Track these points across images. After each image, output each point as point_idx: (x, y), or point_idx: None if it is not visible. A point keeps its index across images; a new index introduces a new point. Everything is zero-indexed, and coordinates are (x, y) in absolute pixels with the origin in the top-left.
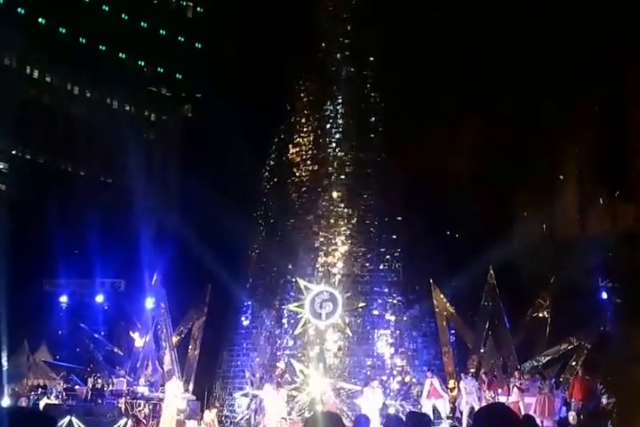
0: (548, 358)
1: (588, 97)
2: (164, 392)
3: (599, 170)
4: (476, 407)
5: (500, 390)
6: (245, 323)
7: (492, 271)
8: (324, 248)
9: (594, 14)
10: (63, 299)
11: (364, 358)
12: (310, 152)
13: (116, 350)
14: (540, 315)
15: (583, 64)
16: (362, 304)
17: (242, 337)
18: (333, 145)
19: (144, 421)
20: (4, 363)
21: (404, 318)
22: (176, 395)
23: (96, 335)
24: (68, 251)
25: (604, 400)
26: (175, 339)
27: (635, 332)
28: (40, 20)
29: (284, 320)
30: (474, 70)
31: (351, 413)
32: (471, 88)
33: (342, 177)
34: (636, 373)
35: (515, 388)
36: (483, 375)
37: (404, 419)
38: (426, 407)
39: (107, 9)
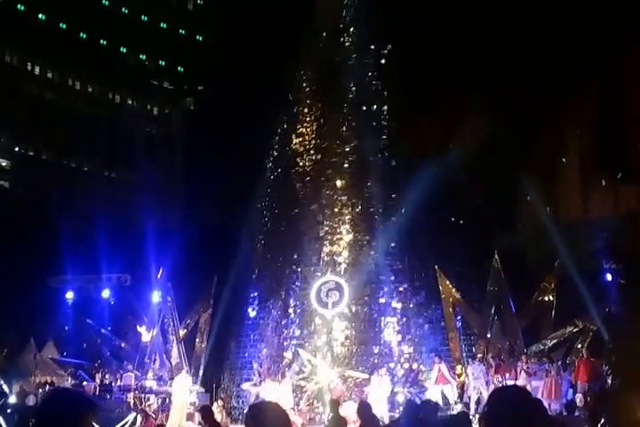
0: (555, 341)
1: (589, 81)
2: (172, 386)
3: (601, 153)
4: (484, 392)
5: (507, 375)
6: (252, 314)
7: (496, 256)
8: (329, 237)
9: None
10: (69, 295)
11: (371, 346)
12: (313, 142)
13: (123, 345)
14: (546, 298)
15: (584, 48)
16: (368, 292)
17: (249, 328)
18: (336, 134)
19: (153, 415)
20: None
21: (411, 305)
22: (185, 389)
23: (103, 331)
24: (73, 247)
25: (609, 382)
26: (182, 332)
27: (639, 313)
28: (40, 16)
29: (291, 310)
30: (476, 56)
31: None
32: (473, 74)
33: (345, 166)
34: None
35: (522, 371)
36: (490, 360)
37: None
38: (434, 393)
39: (106, 3)
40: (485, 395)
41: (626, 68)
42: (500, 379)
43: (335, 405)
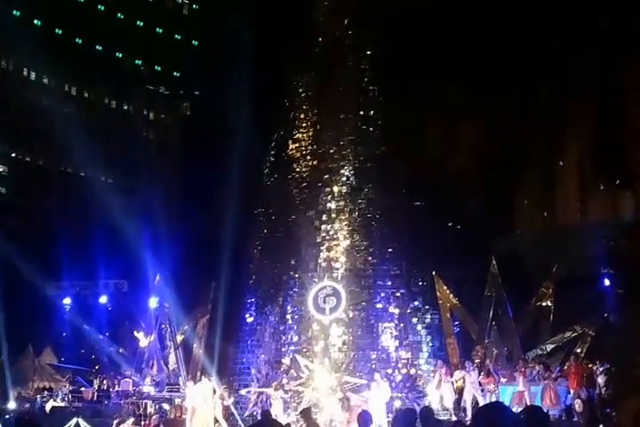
0: (553, 346)
1: (588, 84)
2: (169, 391)
3: (599, 158)
4: (479, 398)
5: (504, 380)
6: (249, 320)
7: (494, 261)
8: (326, 243)
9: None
10: (66, 301)
11: (368, 352)
12: (310, 147)
13: (120, 351)
14: (544, 304)
15: (583, 51)
16: (365, 298)
17: (246, 334)
18: (333, 140)
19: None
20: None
21: (408, 311)
22: (206, 398)
23: (100, 336)
24: (70, 253)
25: (604, 388)
26: (180, 338)
27: (637, 318)
28: (36, 21)
29: (288, 316)
30: (472, 60)
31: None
32: (470, 78)
33: (342, 171)
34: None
35: (521, 376)
36: (489, 366)
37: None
38: (433, 398)
39: (102, 9)
40: (482, 401)
41: (626, 71)
42: (495, 386)
43: (308, 414)
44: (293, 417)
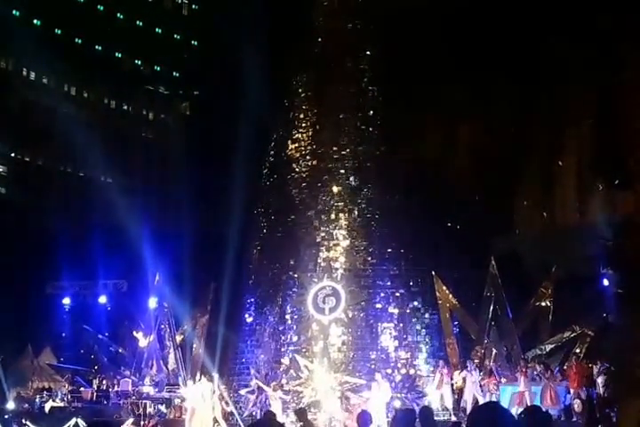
0: (552, 346)
1: (588, 83)
2: (169, 391)
3: (598, 157)
4: (480, 398)
5: (504, 380)
6: (249, 320)
7: (493, 262)
8: (326, 243)
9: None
10: (66, 301)
11: (368, 352)
12: (309, 147)
13: (120, 351)
14: (543, 304)
15: (582, 50)
16: (365, 298)
17: (246, 334)
18: (332, 140)
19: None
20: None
21: (407, 311)
22: (205, 398)
23: (100, 336)
24: (70, 253)
25: (603, 388)
26: (179, 338)
27: (636, 318)
28: (35, 21)
29: (288, 316)
30: (472, 60)
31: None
32: (469, 78)
33: (342, 171)
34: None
35: (522, 376)
36: (490, 365)
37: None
38: (433, 398)
39: (102, 9)
40: (482, 401)
41: (626, 71)
42: (495, 386)
43: (302, 414)
44: (292, 417)
